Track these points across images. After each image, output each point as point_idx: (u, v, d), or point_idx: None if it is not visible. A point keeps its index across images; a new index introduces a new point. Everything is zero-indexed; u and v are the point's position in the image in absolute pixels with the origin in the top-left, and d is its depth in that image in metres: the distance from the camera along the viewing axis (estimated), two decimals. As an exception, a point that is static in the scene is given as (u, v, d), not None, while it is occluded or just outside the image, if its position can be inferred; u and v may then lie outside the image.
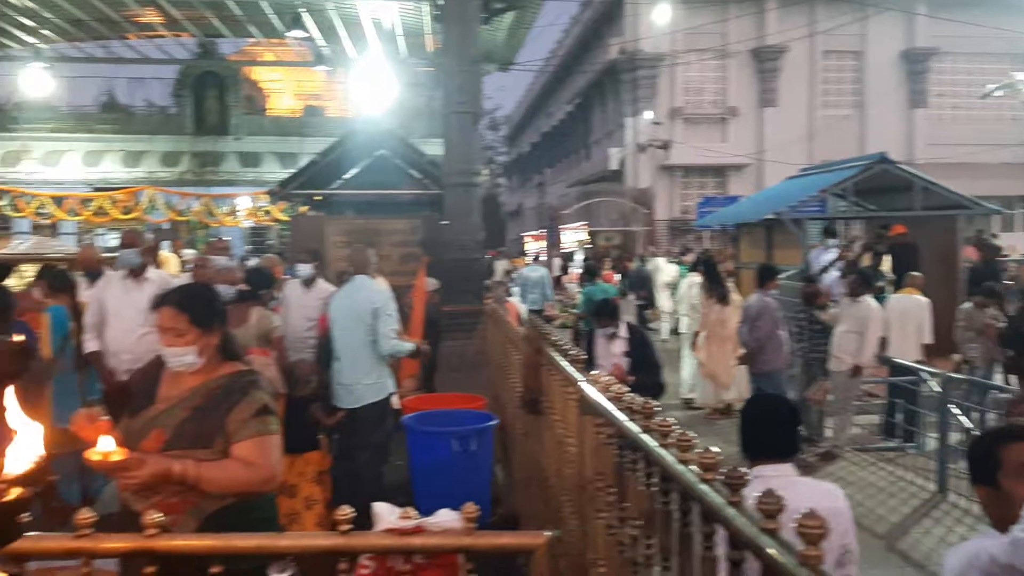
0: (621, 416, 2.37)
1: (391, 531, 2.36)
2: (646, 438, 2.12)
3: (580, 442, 3.06)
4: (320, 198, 12.59)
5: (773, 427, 2.83)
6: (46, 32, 19.12)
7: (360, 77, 18.42)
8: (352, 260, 6.18)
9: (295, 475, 5.42)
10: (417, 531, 2.35)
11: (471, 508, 2.31)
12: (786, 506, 1.46)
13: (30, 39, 18.98)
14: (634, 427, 2.23)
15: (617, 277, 17.06)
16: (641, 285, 15.49)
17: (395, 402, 6.30)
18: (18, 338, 1.64)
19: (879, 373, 8.95)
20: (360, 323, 5.78)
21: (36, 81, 20.02)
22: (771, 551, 1.39)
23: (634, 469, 2.27)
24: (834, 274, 11.26)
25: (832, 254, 11.81)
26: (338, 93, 26.72)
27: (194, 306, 2.92)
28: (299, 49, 23.12)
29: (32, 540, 2.15)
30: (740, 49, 29.85)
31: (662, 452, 1.98)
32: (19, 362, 1.58)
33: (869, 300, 8.60)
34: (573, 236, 28.35)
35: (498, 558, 3.45)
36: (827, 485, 2.98)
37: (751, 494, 1.55)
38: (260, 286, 6.47)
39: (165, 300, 2.93)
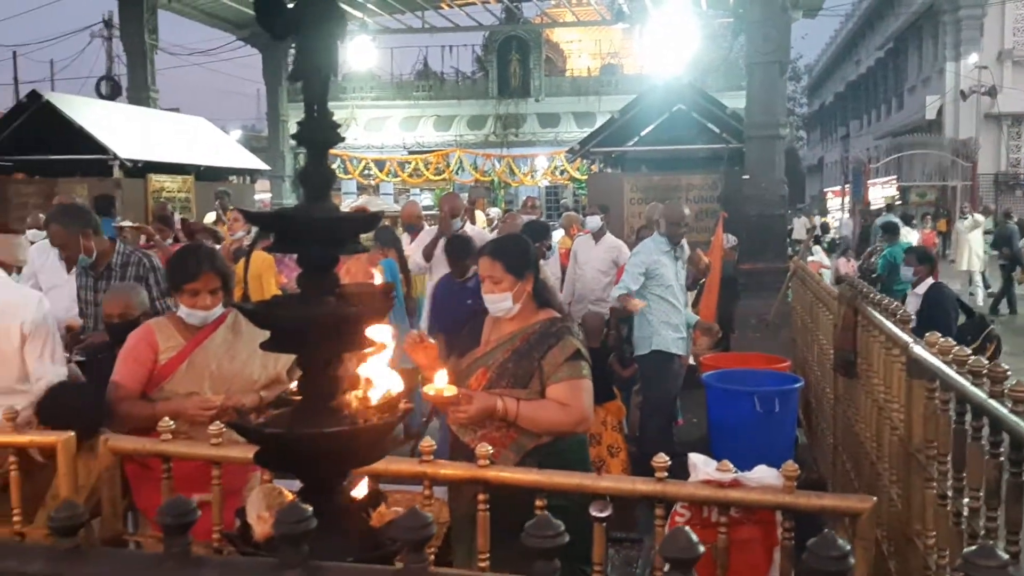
0: (962, 381, 2.19)
1: (708, 482, 2.38)
2: (994, 404, 1.95)
3: (907, 407, 2.88)
4: (616, 155, 12.69)
5: None
6: (371, 6, 20.76)
7: (659, 32, 18.25)
8: (662, 215, 6.26)
9: (597, 424, 5.59)
10: (735, 484, 2.35)
11: (791, 467, 2.26)
12: None
13: (357, 13, 20.72)
14: (979, 392, 2.06)
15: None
16: (1005, 243, 14.05)
17: (689, 359, 6.32)
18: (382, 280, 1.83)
19: None
20: None
21: (362, 53, 21.88)
22: None
23: (977, 437, 2.10)
24: None
25: None
26: (636, 50, 26.67)
27: (507, 255, 3.10)
28: (598, 7, 23.33)
29: (385, 462, 2.41)
30: (1088, -21, 26.00)
31: (1016, 419, 1.82)
32: (387, 302, 1.77)
33: None
34: (881, 192, 26.39)
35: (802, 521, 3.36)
36: None
37: None
38: (536, 238, 6.74)
39: (483, 250, 3.17)
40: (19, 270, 3.81)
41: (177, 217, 10.68)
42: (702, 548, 0.98)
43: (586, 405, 3.00)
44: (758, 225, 8.82)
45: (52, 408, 2.96)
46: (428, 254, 6.51)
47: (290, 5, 1.72)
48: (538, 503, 2.39)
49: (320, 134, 1.75)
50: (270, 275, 6.87)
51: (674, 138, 11.67)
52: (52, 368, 3.59)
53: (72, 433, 2.72)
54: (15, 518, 2.71)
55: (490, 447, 2.48)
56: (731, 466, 2.44)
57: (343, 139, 1.83)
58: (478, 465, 2.44)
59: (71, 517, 1.06)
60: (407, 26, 22.49)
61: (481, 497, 2.43)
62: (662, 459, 2.28)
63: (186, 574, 1.02)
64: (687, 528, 1.00)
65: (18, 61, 30.10)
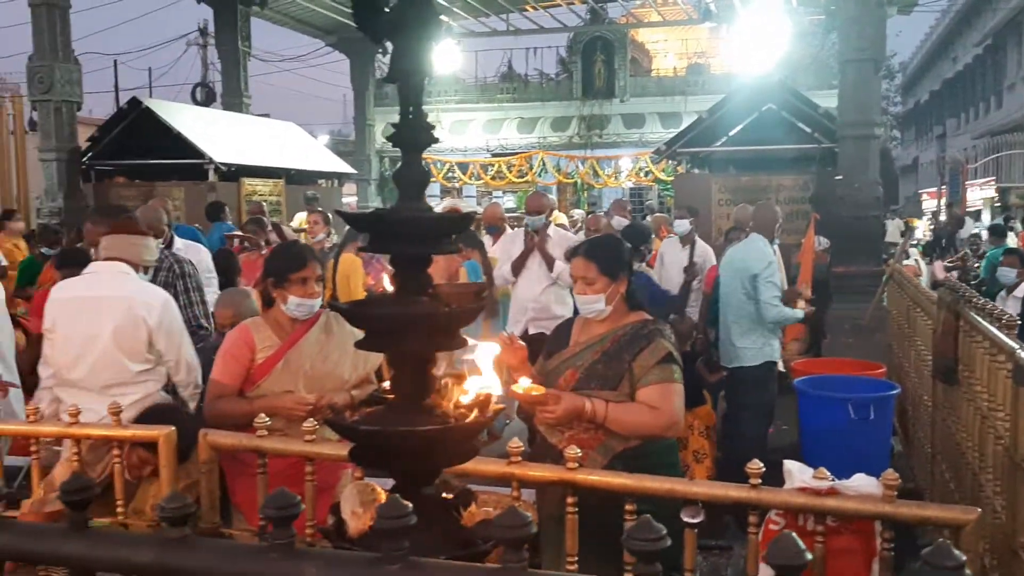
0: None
1: (804, 490, 2.32)
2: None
3: (1013, 415, 2.76)
4: (703, 156, 12.54)
5: None
6: (456, 9, 20.94)
7: (747, 30, 17.95)
8: (754, 217, 6.11)
9: (684, 428, 5.51)
10: (831, 492, 2.28)
11: (892, 475, 2.19)
12: None
13: (442, 17, 20.87)
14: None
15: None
16: None
17: (780, 365, 6.16)
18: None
19: None
20: (739, 283, 5.70)
21: (446, 56, 22.10)
22: None
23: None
24: None
25: None
26: (723, 49, 26.25)
27: (602, 256, 3.08)
28: (685, 6, 23.05)
29: (474, 462, 2.41)
30: None
31: None
32: (479, 303, 1.77)
33: None
34: (979, 193, 25.40)
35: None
36: None
37: None
38: (636, 241, 6.66)
39: (576, 251, 3.14)
40: (145, 270, 4.01)
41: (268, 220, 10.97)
42: (809, 555, 0.95)
43: (676, 409, 2.96)
44: (851, 227, 8.60)
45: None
46: (517, 269, 6.46)
47: (385, 9, 1.75)
48: (628, 507, 2.37)
49: (415, 135, 1.77)
50: (357, 276, 6.98)
51: (763, 138, 11.46)
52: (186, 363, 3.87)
53: (173, 428, 2.81)
54: (118, 509, 2.81)
55: (579, 449, 2.47)
56: (827, 474, 2.37)
57: (438, 140, 1.85)
58: (566, 467, 2.43)
59: (180, 508, 1.09)
60: (491, 29, 22.63)
61: (570, 500, 2.42)
62: (756, 465, 2.23)
63: (289, 565, 1.04)
64: (794, 534, 0.97)
65: (119, 69, 31.31)
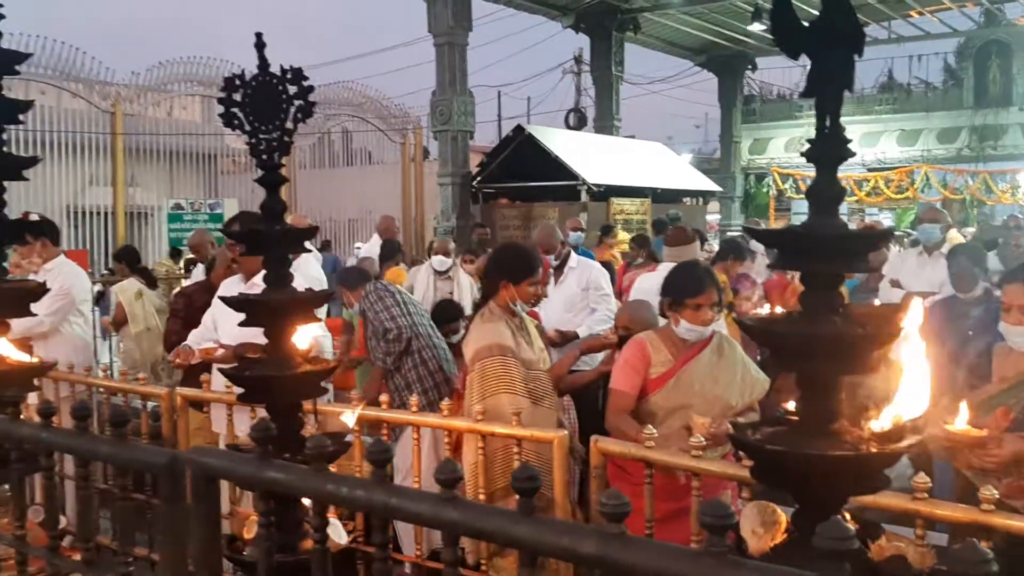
0: None
1: None
2: None
3: None
4: None
5: None
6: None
7: None
8: None
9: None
10: None
11: None
12: None
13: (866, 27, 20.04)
14: None
15: None
16: None
17: None
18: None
19: None
20: None
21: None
22: None
23: None
24: None
25: None
26: None
27: None
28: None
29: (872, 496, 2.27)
30: None
31: None
32: (896, 328, 1.67)
33: None
34: None
35: None
36: None
37: None
38: None
39: (1012, 277, 2.85)
40: None
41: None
42: None
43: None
44: None
45: None
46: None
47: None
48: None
49: (831, 150, 1.72)
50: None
51: None
52: None
53: (565, 432, 2.98)
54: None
55: (994, 490, 2.23)
56: None
57: (853, 154, 1.78)
58: (980, 509, 2.21)
59: (618, 505, 1.15)
60: (872, 38, 21.33)
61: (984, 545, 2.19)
62: None
63: (725, 573, 1.05)
64: None
65: (501, 99, 33.93)
